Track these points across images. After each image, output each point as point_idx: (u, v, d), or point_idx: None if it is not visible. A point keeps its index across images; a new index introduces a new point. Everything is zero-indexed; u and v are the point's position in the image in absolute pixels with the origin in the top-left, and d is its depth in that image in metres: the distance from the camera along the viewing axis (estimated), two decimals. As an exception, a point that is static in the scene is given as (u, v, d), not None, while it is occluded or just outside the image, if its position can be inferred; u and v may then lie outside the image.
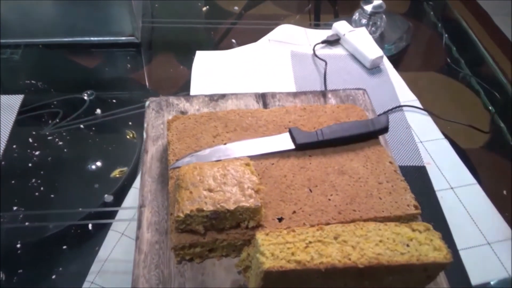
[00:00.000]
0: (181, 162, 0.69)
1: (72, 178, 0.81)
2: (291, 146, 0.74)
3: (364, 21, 1.28)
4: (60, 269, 0.71)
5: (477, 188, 0.89)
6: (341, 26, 1.18)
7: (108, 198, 0.79)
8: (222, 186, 0.60)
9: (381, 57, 1.12)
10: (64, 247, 0.73)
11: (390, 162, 0.73)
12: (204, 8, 1.27)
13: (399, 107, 1.03)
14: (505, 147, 1.00)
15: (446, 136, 0.98)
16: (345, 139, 0.75)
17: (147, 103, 0.86)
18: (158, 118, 0.83)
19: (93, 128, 0.89)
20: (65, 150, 0.84)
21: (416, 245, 0.58)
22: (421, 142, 0.97)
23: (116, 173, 0.82)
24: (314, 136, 0.74)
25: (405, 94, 1.07)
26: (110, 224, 0.77)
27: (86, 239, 0.76)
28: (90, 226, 0.75)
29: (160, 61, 1.09)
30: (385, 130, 0.77)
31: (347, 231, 0.59)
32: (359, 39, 1.15)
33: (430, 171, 0.91)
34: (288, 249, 0.55)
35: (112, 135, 0.89)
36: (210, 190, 0.60)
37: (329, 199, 0.67)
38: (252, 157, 0.70)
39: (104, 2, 1.01)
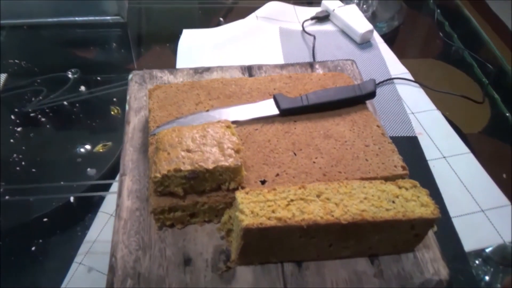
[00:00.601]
0: (161, 128, 0.67)
1: (55, 153, 0.79)
2: (275, 111, 0.72)
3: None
4: (48, 249, 0.69)
5: (471, 157, 0.86)
6: (330, 2, 1.16)
7: (91, 171, 0.77)
8: (201, 146, 0.59)
9: (371, 31, 1.10)
10: (52, 227, 0.71)
11: (378, 126, 0.72)
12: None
13: (389, 80, 1.01)
14: (499, 117, 0.98)
15: (439, 108, 0.95)
16: (331, 104, 0.73)
17: (130, 76, 0.84)
18: (141, 90, 0.81)
19: (77, 105, 0.87)
20: (47, 126, 0.83)
21: (402, 201, 0.56)
22: (412, 113, 0.95)
23: (99, 147, 0.81)
24: (299, 101, 0.72)
25: (396, 67, 1.05)
26: (99, 206, 0.76)
27: (75, 221, 0.74)
28: (78, 210, 0.73)
29: (147, 41, 1.08)
30: (372, 95, 0.75)
31: (330, 189, 0.57)
32: (349, 14, 1.13)
33: (422, 142, 0.89)
34: (269, 207, 0.53)
35: (96, 111, 0.87)
36: (188, 151, 0.58)
37: (314, 162, 0.65)
38: (235, 123, 0.68)
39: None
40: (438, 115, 0.95)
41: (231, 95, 0.75)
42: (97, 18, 1.06)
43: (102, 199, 0.74)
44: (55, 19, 1.04)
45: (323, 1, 1.17)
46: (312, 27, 1.14)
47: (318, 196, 0.56)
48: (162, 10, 1.18)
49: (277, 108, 0.72)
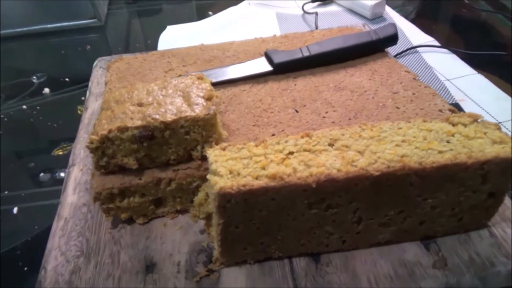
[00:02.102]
0: (117, 98, 0.51)
1: (6, 159, 0.64)
2: (268, 68, 0.55)
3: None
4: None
5: (534, 120, 0.66)
6: (332, -18, 1.02)
7: (45, 177, 0.61)
8: (159, 98, 0.41)
9: (383, 3, 0.94)
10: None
11: (407, 71, 0.53)
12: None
13: (413, 48, 0.83)
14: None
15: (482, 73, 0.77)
16: (340, 54, 0.55)
17: (95, 62, 0.70)
18: (104, 75, 0.66)
19: (38, 108, 0.73)
20: (0, 132, 0.68)
21: (462, 140, 0.36)
22: (448, 80, 0.76)
23: (58, 150, 0.65)
24: (297, 53, 0.55)
25: (419, 37, 0.88)
26: None
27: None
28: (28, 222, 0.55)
29: (128, 43, 0.95)
30: (393, 39, 0.58)
31: (349, 133, 0.38)
32: (355, -10, 0.98)
33: (466, 109, 0.69)
34: (256, 163, 0.35)
35: (60, 113, 0.73)
36: (140, 105, 0.41)
37: (324, 117, 0.46)
38: (215, 86, 0.51)
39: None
40: (480, 79, 0.76)
41: (211, 59, 0.59)
42: (72, 23, 0.95)
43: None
44: (25, 29, 0.93)
45: (324, -18, 1.03)
46: (313, 10, 0.99)
47: (331, 145, 0.37)
48: (147, 12, 1.07)
49: (269, 65, 0.55)
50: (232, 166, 0.35)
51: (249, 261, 0.39)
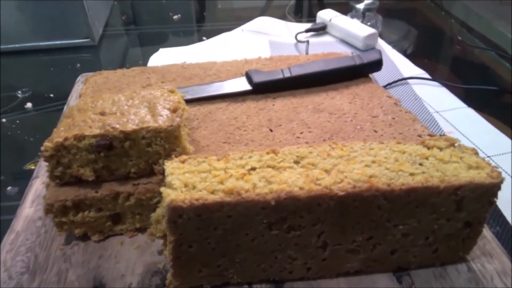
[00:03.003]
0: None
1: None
2: (247, 87, 0.53)
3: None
4: None
5: (525, 155, 0.64)
6: (326, 13, 1.02)
7: (12, 191, 0.58)
8: (123, 108, 0.40)
9: (375, 35, 0.94)
10: None
11: (388, 96, 0.52)
12: (176, 17, 1.16)
13: (403, 80, 0.82)
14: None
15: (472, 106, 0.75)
16: (322, 77, 0.54)
17: (78, 78, 0.69)
18: (85, 90, 0.65)
19: (17, 121, 0.72)
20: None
21: (436, 163, 0.34)
22: (437, 112, 0.75)
23: (30, 165, 0.63)
24: (278, 74, 0.54)
25: (410, 69, 0.87)
26: None
27: None
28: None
29: (120, 64, 0.95)
30: (377, 65, 0.57)
31: (317, 152, 0.36)
32: (348, 22, 0.98)
33: (454, 141, 0.67)
34: (214, 178, 0.33)
35: (39, 128, 0.71)
36: (102, 114, 0.39)
37: (298, 137, 0.44)
38: (189, 103, 0.50)
39: (54, 2, 0.90)
40: (470, 112, 0.74)
41: (191, 77, 0.57)
42: (64, 42, 0.95)
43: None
44: (18, 45, 0.93)
45: (318, 13, 1.04)
46: (305, 40, 1.00)
47: (297, 162, 0.35)
48: (143, 36, 1.07)
49: (249, 84, 0.53)
50: (188, 179, 0.32)
51: (205, 286, 0.36)
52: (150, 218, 0.38)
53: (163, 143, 0.38)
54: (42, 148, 0.37)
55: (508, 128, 0.71)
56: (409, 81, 0.83)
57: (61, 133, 0.37)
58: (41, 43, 0.95)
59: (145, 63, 0.90)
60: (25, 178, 0.62)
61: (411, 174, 0.33)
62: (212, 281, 0.36)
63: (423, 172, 0.33)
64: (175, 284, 0.36)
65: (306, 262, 0.35)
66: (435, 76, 0.85)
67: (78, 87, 0.66)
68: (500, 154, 0.65)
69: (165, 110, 0.39)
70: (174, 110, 0.39)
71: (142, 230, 0.42)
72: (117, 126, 0.37)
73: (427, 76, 0.84)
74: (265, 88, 0.53)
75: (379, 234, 0.34)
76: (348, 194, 0.31)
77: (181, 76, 0.57)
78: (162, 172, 0.39)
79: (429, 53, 1.06)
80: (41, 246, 0.40)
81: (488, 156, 0.64)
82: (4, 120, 0.73)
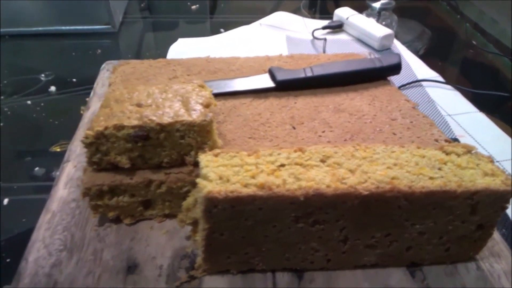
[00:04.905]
0: (119, 99, 0.51)
1: (5, 151, 0.64)
2: (270, 84, 0.55)
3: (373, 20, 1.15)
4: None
5: (532, 162, 0.66)
6: (343, 11, 1.04)
7: (39, 171, 0.61)
8: (158, 101, 0.42)
9: (391, 35, 0.95)
10: None
11: (406, 100, 0.54)
12: (194, 7, 1.17)
13: (417, 82, 0.84)
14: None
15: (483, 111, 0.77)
16: (342, 78, 0.56)
17: (103, 65, 0.71)
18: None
19: (42, 104, 0.74)
20: (1, 124, 0.69)
21: (454, 169, 0.37)
22: (449, 115, 0.77)
23: (56, 147, 0.65)
24: (300, 72, 0.56)
25: (424, 72, 0.89)
26: None
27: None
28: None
29: (139, 52, 0.97)
30: (396, 68, 0.59)
31: (342, 152, 0.38)
32: (365, 21, 1.00)
33: (465, 145, 0.69)
34: (247, 172, 0.35)
35: (63, 111, 0.73)
36: (139, 105, 0.42)
37: (320, 136, 0.47)
38: (216, 96, 0.52)
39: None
40: (482, 117, 0.76)
41: (216, 71, 0.60)
42: (85, 27, 0.97)
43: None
44: (41, 28, 0.95)
45: (335, 11, 1.05)
46: (323, 37, 1.01)
47: (323, 161, 0.37)
48: (159, 25, 1.09)
49: (272, 81, 0.56)
50: (222, 172, 0.35)
51: (232, 271, 0.39)
52: (182, 206, 0.40)
53: (195, 136, 0.40)
54: (83, 136, 0.39)
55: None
56: (423, 83, 0.85)
57: (100, 122, 0.39)
58: (63, 28, 0.97)
59: (163, 51, 0.91)
60: (50, 159, 0.64)
61: (431, 178, 0.35)
62: (239, 267, 0.39)
63: (442, 177, 0.35)
64: (204, 267, 0.38)
65: (327, 254, 0.38)
66: (446, 78, 0.86)
67: (104, 74, 0.68)
68: (509, 160, 0.67)
69: (198, 105, 0.41)
70: (206, 105, 0.41)
71: (170, 216, 0.44)
72: (154, 118, 0.39)
73: (440, 79, 0.86)
74: (287, 86, 0.55)
75: (397, 231, 0.37)
76: (372, 194, 0.34)
77: (206, 70, 0.60)
78: (193, 163, 0.42)
79: (441, 55, 1.07)
80: (76, 226, 0.43)
81: (497, 161, 0.67)
82: (29, 102, 0.75)
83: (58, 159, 0.63)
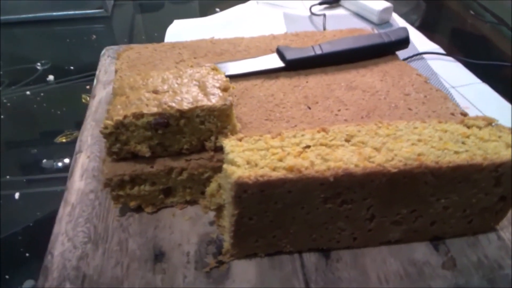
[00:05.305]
0: (129, 86, 0.50)
1: (9, 144, 0.63)
2: (280, 64, 0.55)
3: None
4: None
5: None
6: (339, -15, 1.02)
7: (47, 163, 0.60)
8: (175, 87, 0.41)
9: (390, 8, 0.94)
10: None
11: (418, 74, 0.54)
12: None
13: (419, 55, 0.84)
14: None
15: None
16: (352, 54, 0.56)
17: (103, 51, 0.69)
18: (112, 64, 0.65)
19: (41, 94, 0.72)
20: (1, 116, 0.67)
21: (477, 142, 0.37)
22: (453, 87, 0.77)
23: (61, 138, 0.64)
24: (310, 51, 0.55)
25: (425, 44, 0.89)
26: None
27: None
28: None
29: (134, 35, 0.94)
30: (404, 42, 0.58)
31: (365, 130, 0.38)
32: (362, -6, 0.98)
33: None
34: (274, 155, 0.35)
35: (64, 101, 0.72)
36: (155, 92, 0.41)
37: (336, 114, 0.47)
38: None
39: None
40: (485, 88, 0.77)
41: (222, 53, 0.58)
42: (77, 12, 0.94)
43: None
44: (31, 15, 0.92)
45: (331, -14, 1.04)
46: (320, 12, 1.00)
47: (347, 140, 0.37)
48: (153, 5, 1.06)
49: (281, 61, 0.55)
50: (249, 157, 0.34)
51: (260, 254, 0.39)
52: (205, 192, 0.40)
53: (215, 121, 0.40)
54: (101, 126, 0.38)
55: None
56: (424, 56, 0.85)
57: (119, 111, 0.39)
58: (54, 14, 0.94)
59: (160, 35, 0.89)
60: (57, 150, 0.63)
61: (456, 153, 0.35)
62: (266, 250, 0.39)
63: (467, 151, 0.35)
64: (232, 252, 0.39)
65: (353, 233, 0.38)
66: (444, 50, 0.86)
67: (105, 60, 0.66)
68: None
69: (215, 88, 0.41)
70: (224, 89, 0.41)
71: (191, 202, 0.44)
72: (174, 104, 0.38)
73: (441, 51, 0.86)
74: (297, 65, 0.54)
75: (422, 207, 0.37)
76: (400, 171, 0.34)
77: (212, 52, 0.58)
78: (213, 149, 0.42)
79: (437, 26, 1.07)
80: (98, 217, 0.43)
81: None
82: (28, 92, 0.73)
83: (65, 150, 0.63)
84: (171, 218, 0.43)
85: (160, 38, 0.87)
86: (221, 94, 0.40)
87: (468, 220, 0.39)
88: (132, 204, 0.42)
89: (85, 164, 0.49)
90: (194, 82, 0.42)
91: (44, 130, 0.67)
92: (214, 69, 0.45)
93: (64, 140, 0.65)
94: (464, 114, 0.46)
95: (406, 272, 0.38)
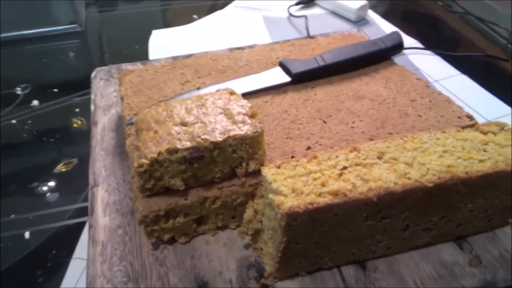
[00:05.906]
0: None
1: (6, 180, 0.60)
2: (286, 78, 0.56)
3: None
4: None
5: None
6: (313, -16, 1.04)
7: (52, 197, 0.58)
8: (201, 117, 0.41)
9: (366, 5, 0.97)
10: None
11: (417, 79, 0.56)
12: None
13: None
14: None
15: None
16: (353, 62, 0.58)
17: (93, 73, 0.67)
18: (108, 87, 0.64)
19: (29, 122, 0.69)
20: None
21: (497, 148, 0.39)
22: (436, 81, 0.80)
23: (61, 167, 0.62)
24: (313, 62, 0.56)
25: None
26: (72, 251, 0.55)
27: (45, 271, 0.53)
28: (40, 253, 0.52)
29: (112, 48, 0.92)
30: (399, 47, 0.61)
31: (393, 146, 0.40)
32: (337, -7, 1.00)
33: (457, 108, 0.74)
34: (315, 180, 0.36)
35: (54, 126, 0.69)
36: (183, 124, 0.41)
37: (352, 127, 0.48)
38: (237, 97, 0.51)
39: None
40: (465, 79, 0.81)
41: (225, 70, 0.59)
42: (49, 29, 0.90)
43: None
44: (2, 35, 0.87)
45: (306, -15, 1.05)
46: (298, 13, 1.01)
47: (379, 158, 0.39)
48: (126, 16, 1.03)
49: (287, 75, 0.56)
50: (293, 185, 0.35)
51: (301, 273, 0.40)
52: (244, 218, 0.41)
53: (247, 148, 0.40)
54: (136, 165, 0.38)
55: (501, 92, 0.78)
56: (404, 51, 0.88)
57: (151, 148, 0.38)
58: (25, 32, 0.89)
59: (142, 47, 0.87)
60: (58, 181, 0.61)
61: (481, 161, 0.38)
62: (308, 268, 0.40)
63: (489, 158, 0.38)
64: (275, 275, 0.40)
65: (388, 243, 0.40)
66: (423, 43, 0.90)
67: (98, 83, 0.65)
68: (499, 118, 0.72)
69: (242, 115, 0.41)
70: (252, 116, 0.41)
71: (222, 228, 0.45)
72: (207, 137, 0.38)
73: (419, 45, 0.89)
74: (302, 78, 0.56)
75: (452, 213, 0.40)
76: (435, 185, 0.36)
77: (214, 70, 0.58)
78: (244, 175, 0.42)
79: (410, 19, 1.11)
80: (132, 254, 0.42)
81: (487, 120, 0.72)
82: (14, 121, 0.70)
83: (66, 180, 0.61)
84: (205, 245, 0.43)
85: (143, 51, 0.85)
86: (249, 121, 0.40)
87: (488, 219, 0.42)
88: (166, 237, 0.42)
89: (105, 199, 0.48)
90: (219, 110, 0.42)
91: (40, 160, 0.64)
92: (232, 93, 0.45)
93: (64, 170, 0.62)
94: (470, 117, 0.49)
95: (438, 274, 0.41)
